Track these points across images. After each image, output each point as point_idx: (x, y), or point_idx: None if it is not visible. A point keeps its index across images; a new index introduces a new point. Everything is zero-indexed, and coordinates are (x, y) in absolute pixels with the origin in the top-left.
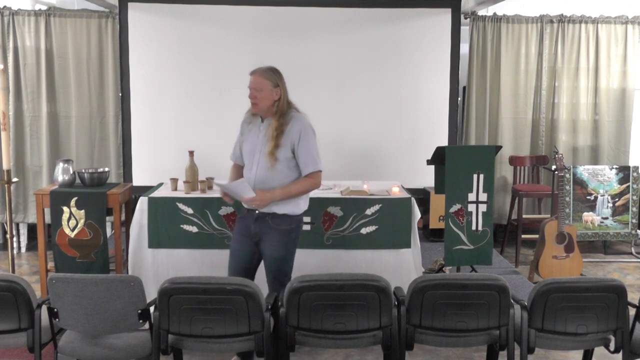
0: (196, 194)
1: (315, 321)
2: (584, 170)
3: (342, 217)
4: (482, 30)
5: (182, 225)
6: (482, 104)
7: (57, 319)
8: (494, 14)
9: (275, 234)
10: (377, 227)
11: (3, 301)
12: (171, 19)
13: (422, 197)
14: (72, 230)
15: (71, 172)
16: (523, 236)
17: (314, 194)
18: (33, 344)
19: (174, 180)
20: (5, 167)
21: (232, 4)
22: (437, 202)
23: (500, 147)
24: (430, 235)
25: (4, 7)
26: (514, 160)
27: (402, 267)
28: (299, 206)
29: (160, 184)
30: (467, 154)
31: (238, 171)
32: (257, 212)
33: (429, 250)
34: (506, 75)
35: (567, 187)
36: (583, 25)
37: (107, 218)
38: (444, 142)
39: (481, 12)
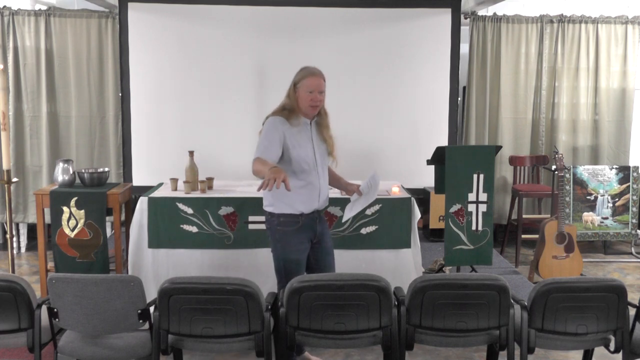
0: (196, 194)
1: (315, 321)
2: (584, 170)
3: (342, 217)
4: (482, 30)
5: (182, 225)
6: (482, 104)
7: (57, 319)
8: (494, 14)
9: (327, 225)
10: (377, 227)
11: (3, 301)
12: (171, 19)
13: (422, 197)
14: (72, 230)
15: (71, 172)
16: (523, 236)
17: None
18: (33, 344)
19: (174, 180)
20: (5, 167)
21: (232, 4)
22: (437, 202)
23: (500, 147)
24: (430, 235)
25: (4, 7)
26: (514, 160)
27: (402, 267)
28: None
29: (160, 184)
30: (467, 154)
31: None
32: (317, 212)
33: (429, 250)
34: (506, 75)
35: (567, 187)
36: (583, 25)
37: (107, 218)
38: (444, 142)
39: (481, 12)
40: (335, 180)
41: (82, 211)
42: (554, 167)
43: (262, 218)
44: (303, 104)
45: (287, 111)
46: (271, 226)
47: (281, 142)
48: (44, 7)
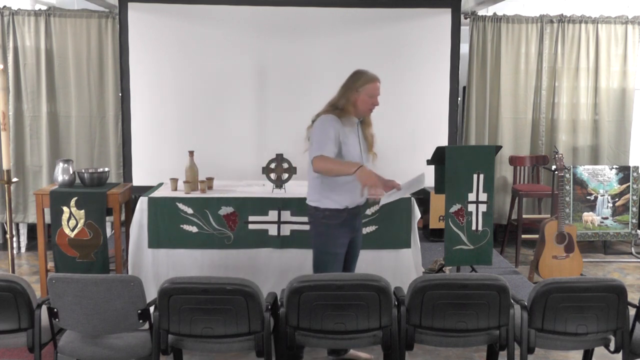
0: (196, 194)
1: (315, 321)
2: (584, 170)
3: None
4: (482, 30)
5: (182, 225)
6: (482, 104)
7: (57, 319)
8: (494, 14)
9: (361, 221)
10: (377, 227)
11: (3, 301)
12: (171, 19)
13: (422, 197)
14: (72, 230)
15: (71, 172)
16: (523, 236)
17: None
18: (33, 344)
19: (174, 180)
20: (5, 167)
21: (232, 4)
22: (437, 202)
23: (500, 147)
24: (430, 235)
25: (4, 7)
26: (514, 160)
27: (402, 267)
28: None
29: (160, 184)
30: (467, 154)
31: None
32: (359, 207)
33: (429, 250)
34: (506, 75)
35: (567, 187)
36: (583, 25)
37: (107, 218)
38: (444, 142)
39: (481, 12)
40: None
41: (82, 211)
42: (554, 167)
43: (262, 218)
44: (363, 106)
45: (340, 110)
46: (315, 220)
47: (337, 140)
48: (44, 7)
